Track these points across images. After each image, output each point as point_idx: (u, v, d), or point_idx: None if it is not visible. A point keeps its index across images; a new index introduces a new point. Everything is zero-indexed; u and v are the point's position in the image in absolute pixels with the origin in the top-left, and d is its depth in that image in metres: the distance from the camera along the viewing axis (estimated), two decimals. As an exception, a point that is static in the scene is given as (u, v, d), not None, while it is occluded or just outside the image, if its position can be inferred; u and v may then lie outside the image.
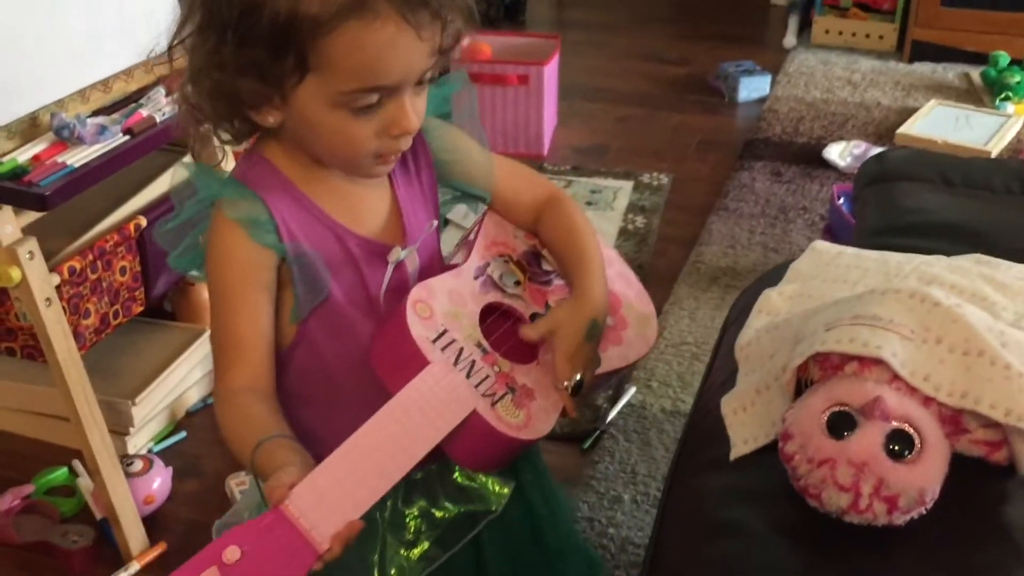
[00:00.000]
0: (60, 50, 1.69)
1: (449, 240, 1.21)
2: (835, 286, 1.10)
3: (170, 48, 1.01)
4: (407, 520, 1.14)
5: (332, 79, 0.94)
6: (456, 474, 1.17)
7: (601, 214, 2.87)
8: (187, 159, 1.06)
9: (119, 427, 1.93)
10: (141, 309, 1.89)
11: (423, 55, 0.97)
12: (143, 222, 1.82)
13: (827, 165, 3.05)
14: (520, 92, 3.14)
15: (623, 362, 1.18)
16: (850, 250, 1.20)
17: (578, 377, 1.07)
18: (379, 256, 1.07)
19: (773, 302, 1.06)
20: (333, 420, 1.04)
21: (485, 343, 1.07)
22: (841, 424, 0.85)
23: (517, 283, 1.15)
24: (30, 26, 1.63)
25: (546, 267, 1.20)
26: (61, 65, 1.69)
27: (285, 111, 0.98)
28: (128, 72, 1.81)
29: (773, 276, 1.20)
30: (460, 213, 1.23)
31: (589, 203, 2.95)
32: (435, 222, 1.14)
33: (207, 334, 2.11)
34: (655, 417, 2.09)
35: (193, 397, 2.13)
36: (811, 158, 3.12)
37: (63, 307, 1.65)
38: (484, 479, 1.16)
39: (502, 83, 3.13)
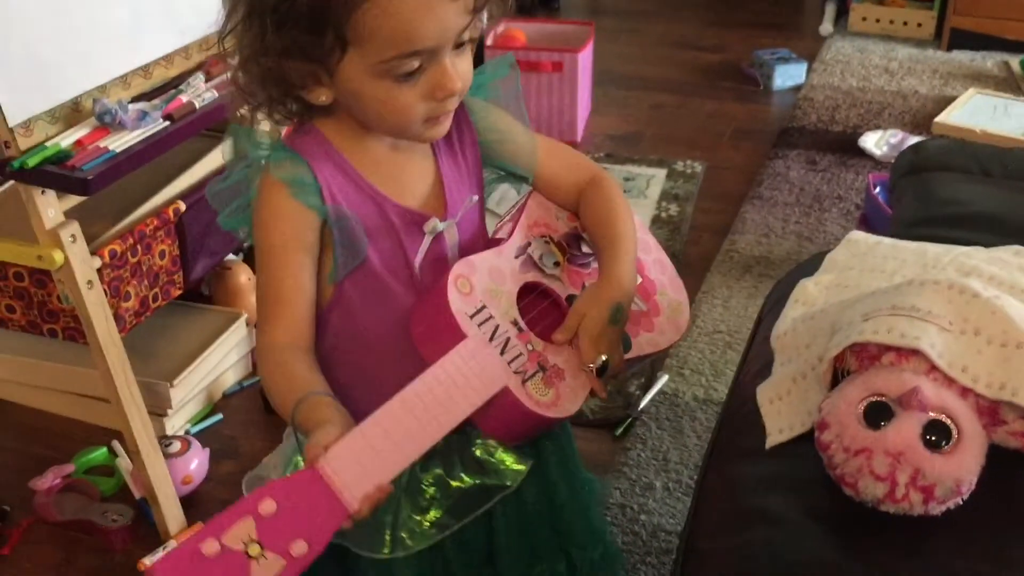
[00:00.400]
0: (102, 36, 1.71)
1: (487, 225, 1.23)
2: (872, 276, 1.10)
3: (220, 40, 1.04)
4: (423, 485, 1.16)
5: (371, 50, 0.97)
6: (475, 447, 1.18)
7: (634, 202, 2.88)
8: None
9: (157, 408, 1.96)
10: (180, 292, 1.91)
11: (457, 14, 0.99)
12: (182, 207, 1.84)
13: (863, 154, 3.04)
14: (554, 79, 3.14)
15: (653, 348, 1.20)
16: (887, 240, 1.20)
17: (603, 359, 1.10)
18: (418, 226, 1.11)
19: (809, 292, 1.07)
20: (365, 382, 1.08)
21: (521, 321, 1.09)
22: (878, 414, 0.86)
23: (556, 264, 1.17)
24: (73, 12, 1.65)
25: (585, 249, 1.22)
26: (103, 51, 1.71)
27: (334, 87, 1.02)
28: (168, 58, 1.83)
29: (809, 266, 1.20)
30: (493, 200, 1.25)
31: (623, 190, 2.95)
32: (475, 197, 1.16)
33: (243, 318, 2.14)
34: (687, 405, 2.10)
35: (229, 379, 2.16)
36: (847, 147, 3.10)
37: (104, 290, 1.68)
38: (502, 455, 1.18)
39: (536, 70, 3.13)
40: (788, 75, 3.59)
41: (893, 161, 2.94)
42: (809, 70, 3.65)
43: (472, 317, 1.04)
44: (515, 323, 1.08)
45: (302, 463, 1.13)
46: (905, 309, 0.89)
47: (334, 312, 1.11)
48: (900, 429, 0.84)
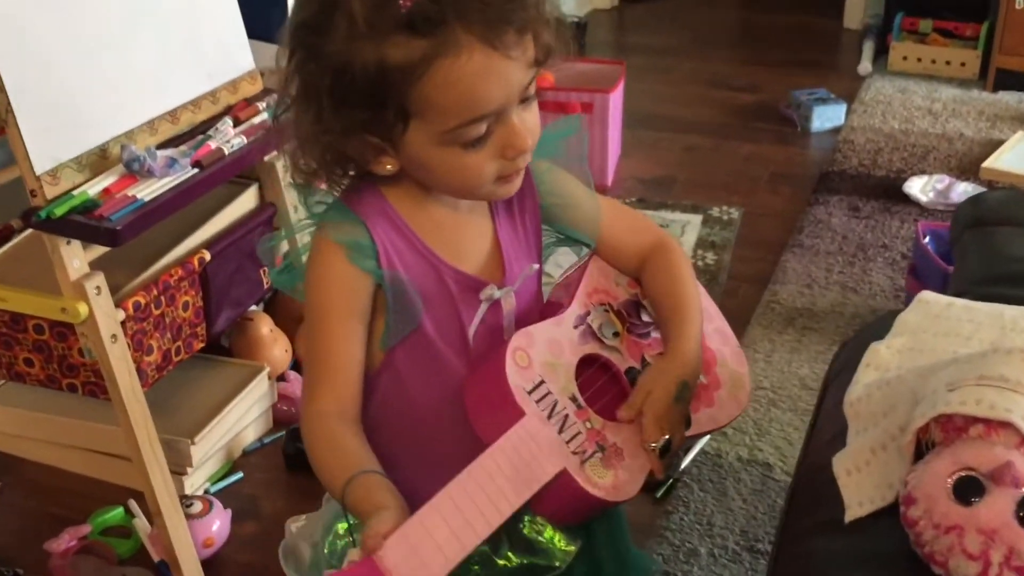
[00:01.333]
0: (129, 80, 1.75)
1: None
2: (947, 340, 1.11)
3: (274, 120, 1.07)
4: (468, 563, 1.16)
5: (435, 120, 0.99)
6: (524, 524, 1.18)
7: (669, 249, 2.89)
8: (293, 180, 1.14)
9: (177, 467, 1.97)
10: (202, 345, 1.93)
11: (519, 72, 1.01)
12: (207, 256, 1.86)
13: (908, 200, 3.05)
14: (583, 121, 3.16)
15: (713, 424, 1.20)
16: (959, 302, 1.21)
17: (665, 439, 1.10)
18: (475, 292, 1.12)
19: (882, 356, 1.08)
20: (412, 451, 1.09)
21: (580, 397, 1.10)
22: (969, 489, 0.86)
23: (616, 334, 1.17)
24: (99, 55, 1.69)
25: (645, 318, 1.22)
26: (130, 95, 1.74)
27: (400, 157, 1.04)
28: (195, 103, 1.86)
29: (877, 327, 1.21)
30: (548, 262, 1.27)
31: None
32: (536, 265, 1.18)
33: (265, 371, 2.15)
34: (731, 466, 2.10)
35: (250, 436, 2.17)
36: (891, 192, 3.12)
37: (127, 343, 1.70)
38: (551, 534, 1.18)
39: (565, 111, 3.16)
40: (826, 116, 3.62)
41: (942, 209, 2.97)
42: (848, 111, 3.68)
43: (530, 393, 1.04)
44: (574, 399, 1.09)
45: (342, 531, 1.14)
46: (993, 379, 0.90)
47: (382, 378, 1.11)
48: (993, 506, 0.85)
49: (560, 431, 1.05)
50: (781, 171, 3.36)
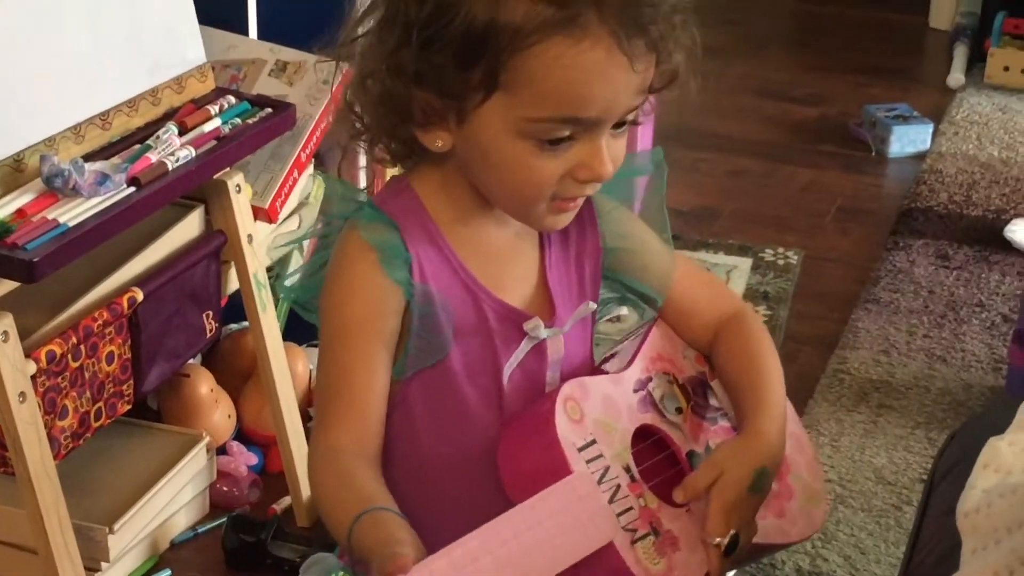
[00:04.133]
0: (50, 75, 1.77)
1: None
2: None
3: (343, 44, 1.13)
4: None
5: (523, 102, 1.05)
6: None
7: (711, 301, 2.92)
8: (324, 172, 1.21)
9: (89, 561, 1.97)
10: (128, 408, 1.94)
11: (631, 90, 1.08)
12: (139, 296, 1.88)
13: (1010, 248, 3.09)
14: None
15: (782, 539, 1.25)
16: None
17: (733, 534, 1.13)
18: (517, 327, 1.17)
19: (1003, 456, 1.10)
20: (416, 506, 1.12)
21: (634, 469, 1.14)
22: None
23: (679, 410, 1.22)
24: (14, 46, 1.71)
25: (713, 402, 1.27)
26: (51, 94, 1.77)
27: (458, 135, 1.10)
28: (132, 103, 1.89)
29: (995, 417, 1.23)
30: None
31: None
32: (593, 304, 1.21)
33: (204, 442, 2.16)
34: (788, 579, 2.11)
35: (180, 524, 2.18)
36: (989, 237, 3.16)
37: (37, 403, 1.71)
38: None
39: (583, 123, 3.20)
40: (908, 139, 3.67)
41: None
42: (936, 133, 3.73)
43: (580, 451, 1.10)
44: (627, 469, 1.13)
45: None
46: None
47: (392, 414, 1.16)
48: None
49: (611, 501, 1.09)
50: (850, 205, 3.41)
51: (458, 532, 1.09)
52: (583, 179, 1.09)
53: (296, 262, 2.12)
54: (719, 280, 1.33)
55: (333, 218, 1.18)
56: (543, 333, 1.18)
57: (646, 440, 1.19)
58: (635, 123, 1.14)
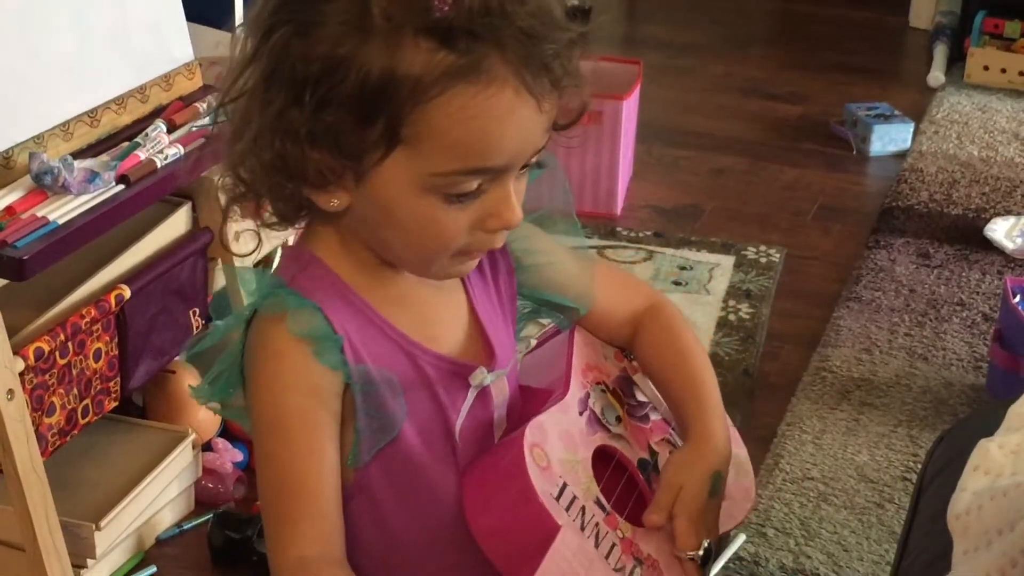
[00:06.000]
0: (39, 73, 1.77)
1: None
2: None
3: (220, 107, 1.06)
4: None
5: (427, 156, 0.99)
6: None
7: (693, 298, 2.93)
8: (235, 261, 1.12)
9: (76, 558, 1.97)
10: (115, 405, 1.95)
11: (539, 131, 1.03)
12: (126, 293, 1.88)
13: (990, 247, 3.11)
14: (590, 134, 3.19)
15: (732, 522, 1.24)
16: (1080, 388, 1.24)
17: (705, 545, 1.14)
18: (461, 379, 1.12)
19: (994, 457, 1.11)
20: None
21: (603, 500, 1.12)
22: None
23: (618, 419, 1.21)
24: (4, 46, 1.71)
25: (640, 397, 1.26)
26: (40, 92, 1.77)
27: (356, 193, 1.03)
28: (120, 101, 1.89)
29: (983, 419, 1.25)
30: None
31: (677, 283, 3.01)
32: (533, 340, 1.22)
33: (190, 439, 2.16)
34: (772, 576, 2.13)
35: (165, 521, 2.18)
36: (969, 236, 3.18)
37: (25, 400, 1.71)
38: None
39: (567, 120, 3.20)
40: (889, 137, 3.69)
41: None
42: (916, 132, 3.75)
43: (558, 500, 1.06)
44: (598, 503, 1.11)
45: None
46: None
47: (354, 503, 1.10)
48: None
49: (596, 545, 1.08)
50: (832, 204, 3.42)
51: None
52: (492, 228, 1.04)
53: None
54: (629, 274, 1.31)
55: (244, 310, 1.09)
56: (488, 380, 1.13)
57: (600, 461, 1.17)
58: (539, 165, 1.09)
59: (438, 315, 1.14)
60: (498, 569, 1.06)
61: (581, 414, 1.17)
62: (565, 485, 1.08)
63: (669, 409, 1.26)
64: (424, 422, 1.10)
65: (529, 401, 1.19)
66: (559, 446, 1.11)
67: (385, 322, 1.09)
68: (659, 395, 1.26)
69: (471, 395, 1.13)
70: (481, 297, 1.17)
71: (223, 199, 1.08)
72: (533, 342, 1.30)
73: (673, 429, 1.25)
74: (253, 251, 1.39)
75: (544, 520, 1.04)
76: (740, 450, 1.28)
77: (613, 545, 1.09)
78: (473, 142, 0.99)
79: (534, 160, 1.06)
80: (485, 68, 0.97)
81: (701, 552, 1.14)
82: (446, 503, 1.11)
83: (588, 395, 1.19)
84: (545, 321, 1.29)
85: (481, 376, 1.13)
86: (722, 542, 1.22)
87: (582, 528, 1.07)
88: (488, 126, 0.99)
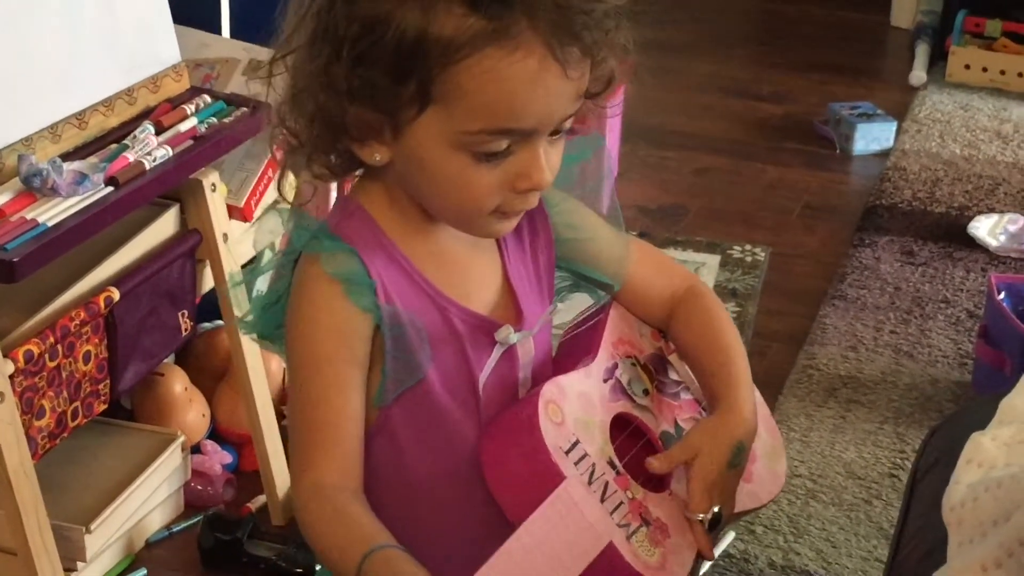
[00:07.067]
0: (26, 75, 1.77)
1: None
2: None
3: (272, 62, 1.12)
4: None
5: (457, 115, 1.05)
6: None
7: (680, 298, 2.94)
8: (278, 202, 1.19)
9: (66, 561, 1.96)
10: (104, 407, 1.94)
11: (567, 98, 1.08)
12: (115, 295, 1.88)
13: (974, 244, 3.13)
14: (601, 140, 3.21)
15: (755, 502, 1.27)
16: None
17: (715, 510, 1.17)
18: (488, 336, 1.18)
19: (987, 450, 1.12)
20: (412, 529, 1.13)
21: (617, 462, 1.16)
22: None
23: (646, 392, 1.24)
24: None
25: (674, 376, 1.29)
26: (27, 94, 1.77)
27: (395, 148, 1.10)
28: (108, 103, 1.89)
29: (974, 413, 1.26)
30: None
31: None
32: (559, 305, 1.25)
33: (179, 441, 2.16)
34: (762, 573, 2.13)
35: (155, 523, 2.18)
36: (953, 233, 3.20)
37: (15, 403, 1.70)
38: None
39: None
40: (872, 136, 3.70)
41: (1016, 256, 3.04)
42: (899, 131, 3.77)
43: (567, 454, 1.11)
44: (611, 464, 1.15)
45: None
46: None
47: (375, 441, 1.16)
48: None
49: (602, 500, 1.11)
50: (816, 203, 3.44)
51: (452, 549, 1.11)
52: (522, 189, 1.09)
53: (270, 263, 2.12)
54: (668, 257, 1.34)
55: (290, 250, 1.17)
56: (513, 339, 1.18)
57: (621, 428, 1.21)
58: (571, 131, 1.13)
59: (472, 274, 1.19)
60: (507, 517, 1.10)
61: (605, 381, 1.22)
62: (577, 442, 1.13)
63: (699, 384, 1.29)
64: (450, 373, 1.16)
65: (561, 368, 1.23)
66: (576, 405, 1.16)
67: (420, 275, 1.15)
68: (692, 376, 1.30)
69: (496, 352, 1.18)
70: (516, 262, 1.22)
71: (278, 153, 1.16)
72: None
73: (704, 409, 1.28)
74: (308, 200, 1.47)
75: (550, 470, 1.08)
76: (775, 439, 1.32)
77: (620, 503, 1.13)
78: (500, 104, 1.04)
79: (566, 126, 1.11)
80: (513, 34, 1.02)
81: (710, 516, 1.17)
82: (463, 451, 1.16)
83: (616, 365, 1.24)
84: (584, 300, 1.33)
85: (506, 332, 1.17)
86: (739, 519, 1.25)
87: (589, 483, 1.11)
88: (515, 89, 1.04)
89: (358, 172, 1.17)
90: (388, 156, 1.10)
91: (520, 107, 1.04)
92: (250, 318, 1.20)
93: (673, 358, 1.31)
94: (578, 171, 1.27)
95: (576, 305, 1.35)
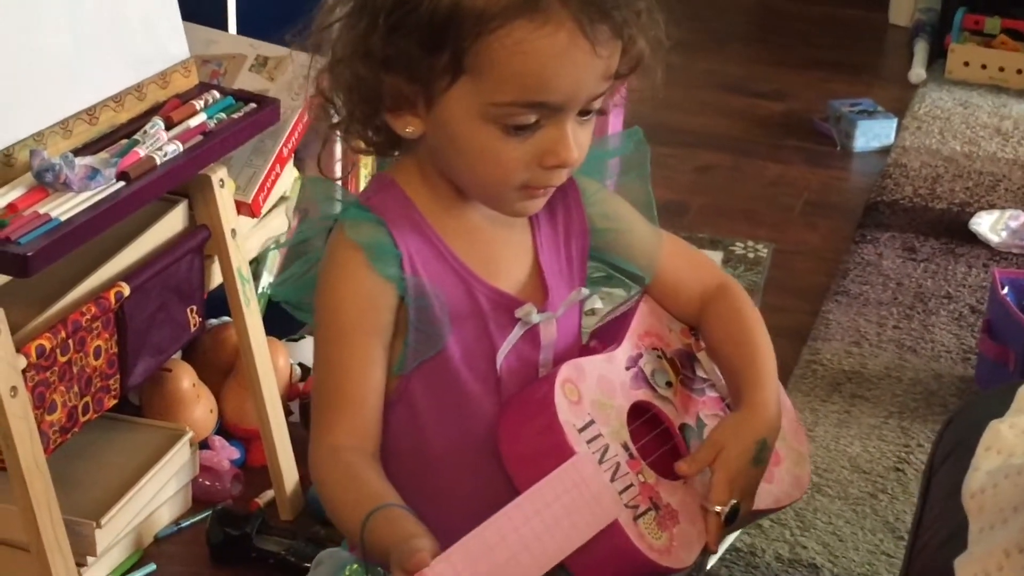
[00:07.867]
0: (37, 71, 1.77)
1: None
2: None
3: (316, 32, 1.15)
4: None
5: (487, 86, 1.08)
6: None
7: (683, 294, 2.95)
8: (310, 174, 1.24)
9: (76, 556, 1.97)
10: (115, 402, 1.95)
11: (596, 76, 1.10)
12: (125, 290, 1.88)
13: (975, 240, 3.14)
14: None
15: (774, 504, 1.29)
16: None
17: (734, 503, 1.18)
18: (510, 313, 1.20)
19: (1005, 438, 1.13)
20: (426, 498, 1.15)
21: (632, 446, 1.18)
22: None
23: (669, 384, 1.25)
24: (3, 43, 1.71)
25: (700, 374, 1.31)
26: (38, 89, 1.77)
27: (428, 120, 1.12)
28: (118, 99, 1.89)
29: (992, 401, 1.26)
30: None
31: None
32: (585, 290, 1.25)
33: (187, 436, 2.17)
34: (768, 567, 2.14)
35: (163, 518, 2.18)
36: (954, 230, 3.21)
37: (28, 398, 1.71)
38: None
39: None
40: (873, 133, 3.71)
41: (1017, 252, 3.05)
42: (899, 128, 3.77)
43: (580, 432, 1.13)
44: (625, 447, 1.17)
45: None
46: None
47: (395, 409, 1.19)
48: None
49: (612, 479, 1.13)
50: (817, 199, 3.44)
51: (462, 521, 1.11)
52: (549, 165, 1.11)
53: (273, 259, 2.13)
54: (702, 253, 1.36)
55: (320, 219, 1.20)
56: (535, 318, 1.20)
57: (640, 416, 1.23)
58: (602, 112, 1.15)
59: (501, 253, 1.21)
60: (513, 482, 1.13)
61: (628, 369, 1.24)
62: (592, 422, 1.15)
63: (725, 381, 1.31)
64: (471, 348, 1.18)
65: (586, 354, 1.25)
66: (594, 387, 1.18)
67: (449, 251, 1.17)
68: (719, 374, 1.31)
69: (517, 329, 1.20)
70: (548, 245, 1.24)
71: (320, 125, 1.21)
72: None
73: (728, 406, 1.28)
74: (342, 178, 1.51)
75: (562, 446, 1.11)
76: (802, 446, 1.34)
77: (630, 485, 1.14)
78: (529, 76, 1.07)
79: (595, 106, 1.13)
80: (543, 8, 1.05)
81: (729, 509, 1.18)
82: (480, 427, 1.19)
83: (641, 355, 1.26)
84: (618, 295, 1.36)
85: (528, 310, 1.20)
86: (755, 518, 1.26)
87: (600, 462, 1.13)
88: (544, 62, 1.06)
89: (396, 153, 1.20)
90: (421, 128, 1.13)
91: (549, 80, 1.06)
92: (280, 286, 1.26)
93: (701, 355, 1.33)
94: (618, 163, 1.28)
95: (614, 302, 1.37)
